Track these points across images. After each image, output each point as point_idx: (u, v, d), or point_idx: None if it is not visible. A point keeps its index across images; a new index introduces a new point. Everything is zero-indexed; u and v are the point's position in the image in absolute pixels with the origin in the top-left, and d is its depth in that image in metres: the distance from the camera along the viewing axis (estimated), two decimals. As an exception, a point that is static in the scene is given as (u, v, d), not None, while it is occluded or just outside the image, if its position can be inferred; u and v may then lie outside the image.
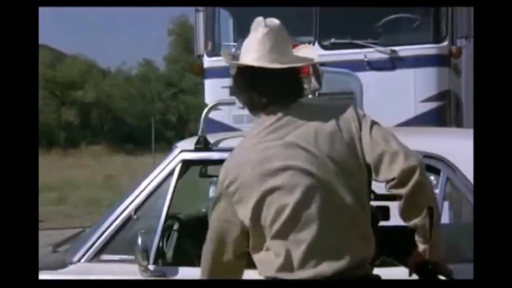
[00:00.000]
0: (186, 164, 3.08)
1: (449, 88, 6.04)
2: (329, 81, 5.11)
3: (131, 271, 2.92)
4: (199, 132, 3.05)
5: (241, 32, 6.03)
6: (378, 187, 5.32)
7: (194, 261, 3.28)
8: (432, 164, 2.80)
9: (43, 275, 2.93)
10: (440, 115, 5.90)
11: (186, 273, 2.92)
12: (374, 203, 5.32)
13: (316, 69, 3.47)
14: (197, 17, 6.71)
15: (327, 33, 6.04)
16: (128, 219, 3.04)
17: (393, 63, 5.92)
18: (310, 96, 3.53)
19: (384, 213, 5.10)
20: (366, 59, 5.90)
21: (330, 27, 6.03)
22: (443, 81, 5.96)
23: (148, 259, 2.86)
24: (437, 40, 5.98)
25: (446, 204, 2.81)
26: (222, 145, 3.06)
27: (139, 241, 2.81)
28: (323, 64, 5.63)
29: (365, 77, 5.20)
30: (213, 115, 5.41)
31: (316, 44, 5.94)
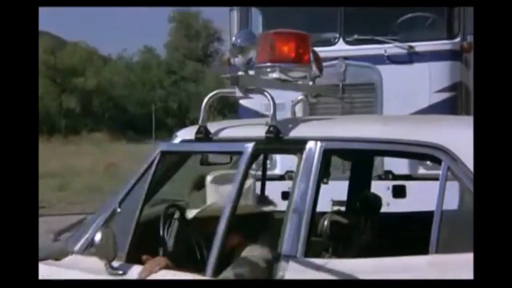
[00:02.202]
0: (165, 156, 3.08)
1: (461, 80, 6.45)
2: (353, 74, 6.31)
3: (96, 268, 2.91)
4: (200, 122, 3.03)
5: (269, 28, 6.37)
6: (396, 168, 6.05)
7: (195, 249, 3.28)
8: (433, 154, 2.79)
9: (44, 266, 2.93)
10: (452, 104, 6.36)
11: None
12: (391, 183, 6.00)
13: (317, 56, 3.45)
14: (231, 16, 7.05)
15: (351, 30, 6.60)
16: (113, 212, 3.03)
17: (410, 57, 6.45)
18: (310, 83, 3.51)
19: (401, 191, 5.79)
20: (386, 54, 6.45)
21: (353, 25, 6.59)
22: (455, 73, 6.40)
23: (107, 255, 2.83)
24: (450, 36, 6.49)
25: (446, 194, 2.79)
26: (222, 134, 3.05)
27: (97, 237, 2.79)
28: (347, 58, 6.39)
29: (385, 70, 6.37)
30: (247, 103, 6.09)
31: (341, 40, 6.58)
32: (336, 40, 6.60)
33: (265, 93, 3.01)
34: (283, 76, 3.22)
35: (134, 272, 2.88)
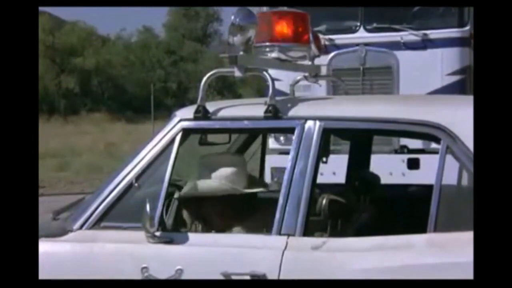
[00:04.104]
0: (186, 133, 3.07)
1: (469, 64, 7.16)
2: (372, 58, 7.28)
3: (132, 239, 2.93)
4: (198, 101, 3.03)
5: None
6: (411, 143, 6.91)
7: (192, 229, 3.29)
8: (432, 133, 2.80)
9: (43, 243, 2.94)
10: (462, 85, 7.13)
11: (193, 238, 2.93)
12: (406, 156, 6.94)
13: (316, 36, 3.45)
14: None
15: (371, 18, 7.44)
16: (129, 187, 3.03)
17: (424, 43, 7.27)
18: (309, 63, 3.51)
19: (415, 163, 6.78)
20: (402, 41, 7.30)
21: (373, 14, 7.41)
22: (465, 58, 7.18)
23: (154, 225, 2.85)
24: (460, 25, 7.27)
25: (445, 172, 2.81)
26: (221, 113, 3.05)
27: (147, 207, 2.78)
28: (367, 44, 7.25)
29: (401, 55, 7.26)
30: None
31: (361, 28, 7.42)
32: (357, 28, 7.43)
33: (264, 73, 3.01)
34: (282, 56, 3.22)
35: (178, 239, 2.89)
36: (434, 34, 7.26)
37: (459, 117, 2.80)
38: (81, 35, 37.67)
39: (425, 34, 7.25)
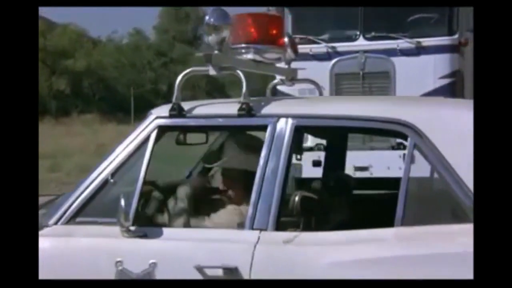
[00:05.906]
0: (161, 130, 3.14)
1: (459, 68, 8.01)
2: (371, 64, 8.05)
3: (107, 233, 2.98)
4: (173, 99, 3.10)
5: (298, 27, 8.26)
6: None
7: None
8: (400, 131, 2.87)
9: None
10: (452, 87, 7.88)
11: (167, 233, 2.98)
12: (402, 152, 7.18)
13: (292, 40, 3.51)
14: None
15: (369, 28, 8.14)
16: (105, 183, 3.08)
17: (418, 50, 8.00)
18: (286, 66, 3.57)
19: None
20: (398, 48, 7.99)
21: (371, 24, 8.11)
22: (454, 63, 7.97)
23: (129, 220, 2.90)
24: (450, 33, 8.03)
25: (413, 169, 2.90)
26: (196, 111, 3.12)
27: (122, 202, 2.83)
28: (366, 51, 7.91)
29: (397, 61, 7.98)
30: (283, 88, 6.91)
31: (361, 36, 8.12)
32: (357, 36, 8.14)
33: (238, 72, 3.07)
34: (257, 57, 3.29)
35: (152, 234, 2.95)
36: (426, 41, 7.98)
37: (426, 115, 2.87)
38: (72, 37, 37.56)
39: (419, 42, 7.95)
